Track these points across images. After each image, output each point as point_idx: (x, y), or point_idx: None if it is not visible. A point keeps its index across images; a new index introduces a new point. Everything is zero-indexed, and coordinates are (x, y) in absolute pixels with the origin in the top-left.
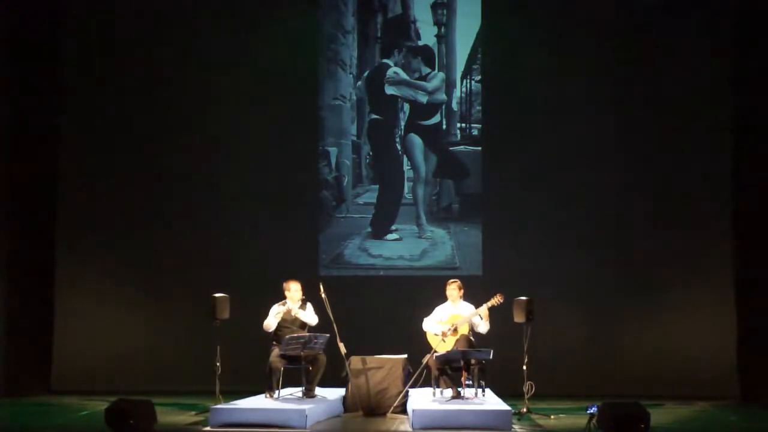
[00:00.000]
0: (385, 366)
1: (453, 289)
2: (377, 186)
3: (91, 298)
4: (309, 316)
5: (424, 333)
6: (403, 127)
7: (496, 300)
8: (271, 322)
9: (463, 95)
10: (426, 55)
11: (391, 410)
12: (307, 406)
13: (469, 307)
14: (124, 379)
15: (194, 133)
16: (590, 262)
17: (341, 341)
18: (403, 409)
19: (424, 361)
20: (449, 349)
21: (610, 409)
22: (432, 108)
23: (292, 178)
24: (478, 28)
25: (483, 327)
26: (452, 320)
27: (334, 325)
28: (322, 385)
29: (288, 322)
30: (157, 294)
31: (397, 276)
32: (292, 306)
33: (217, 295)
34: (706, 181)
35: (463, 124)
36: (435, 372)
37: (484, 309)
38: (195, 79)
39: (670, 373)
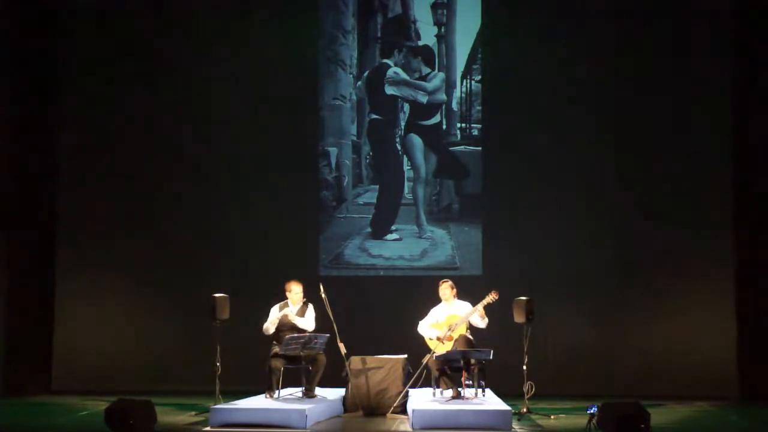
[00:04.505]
0: (385, 366)
1: (446, 289)
2: (377, 186)
3: (92, 299)
4: (306, 322)
5: (422, 335)
6: (403, 127)
7: (491, 297)
8: (268, 327)
9: (463, 95)
10: (426, 55)
11: (391, 410)
12: (307, 406)
13: (464, 306)
14: (124, 379)
15: (194, 134)
16: (590, 262)
17: (341, 341)
18: (403, 409)
19: (424, 361)
20: (449, 349)
21: (610, 409)
22: (432, 108)
23: (292, 178)
24: (478, 28)
25: (482, 324)
26: (449, 321)
27: (334, 325)
28: (322, 385)
29: (287, 326)
30: (157, 294)
31: (397, 276)
32: (290, 311)
33: (217, 295)
34: (706, 181)
35: (463, 124)
36: (435, 372)
37: (480, 308)
38: (195, 79)
39: (670, 373)
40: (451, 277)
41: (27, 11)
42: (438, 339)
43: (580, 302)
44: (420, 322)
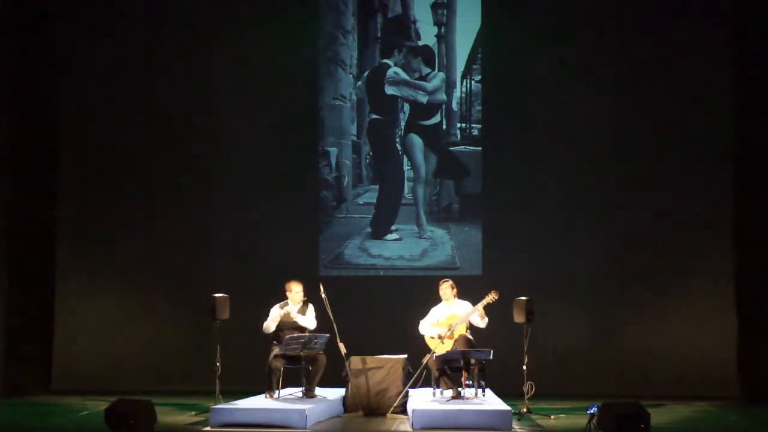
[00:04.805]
0: (385, 366)
1: (446, 289)
2: (377, 186)
3: (92, 299)
4: (308, 320)
5: (422, 335)
6: (403, 127)
7: (491, 297)
8: (269, 325)
9: (463, 95)
10: (426, 55)
11: (391, 410)
12: (307, 406)
13: (464, 305)
14: (124, 379)
15: (194, 133)
16: (590, 262)
17: (341, 341)
18: (403, 409)
19: (424, 361)
20: (449, 349)
21: (610, 409)
22: (432, 108)
23: (292, 178)
24: (478, 28)
25: (482, 323)
26: (449, 320)
27: (334, 325)
28: (322, 385)
29: (288, 324)
30: (157, 294)
31: (397, 276)
32: (292, 309)
33: (217, 295)
34: (706, 181)
35: (463, 124)
36: (435, 372)
37: (479, 307)
38: (195, 79)
39: (670, 373)
40: (451, 277)
41: (27, 11)
42: (439, 337)
43: (580, 302)
44: (421, 322)
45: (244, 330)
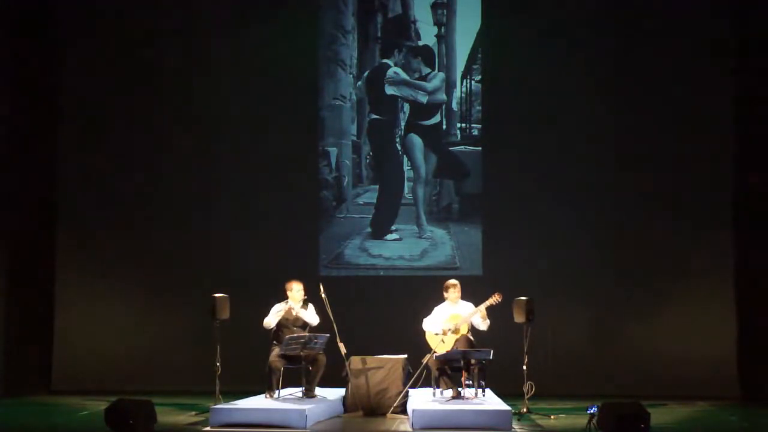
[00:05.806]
0: (385, 366)
1: (455, 292)
2: (377, 186)
3: (92, 299)
4: (310, 316)
5: (424, 333)
6: (403, 127)
7: (494, 299)
8: (271, 320)
9: (463, 95)
10: (426, 55)
11: (391, 410)
12: (307, 406)
13: (467, 306)
14: (124, 379)
15: (194, 133)
16: (590, 262)
17: (341, 341)
18: (403, 409)
19: (424, 361)
20: (449, 349)
21: (610, 409)
22: (432, 108)
23: (292, 178)
24: (478, 28)
25: (483, 325)
26: (453, 320)
27: (334, 325)
28: (322, 385)
29: (289, 322)
30: (158, 294)
31: (397, 276)
32: (294, 305)
33: (217, 295)
34: (706, 181)
35: (463, 124)
36: (435, 372)
37: (482, 309)
38: (195, 79)
39: (670, 373)
40: (450, 277)
41: (27, 11)
42: (443, 331)
43: (580, 302)
44: (425, 320)
45: (244, 330)
